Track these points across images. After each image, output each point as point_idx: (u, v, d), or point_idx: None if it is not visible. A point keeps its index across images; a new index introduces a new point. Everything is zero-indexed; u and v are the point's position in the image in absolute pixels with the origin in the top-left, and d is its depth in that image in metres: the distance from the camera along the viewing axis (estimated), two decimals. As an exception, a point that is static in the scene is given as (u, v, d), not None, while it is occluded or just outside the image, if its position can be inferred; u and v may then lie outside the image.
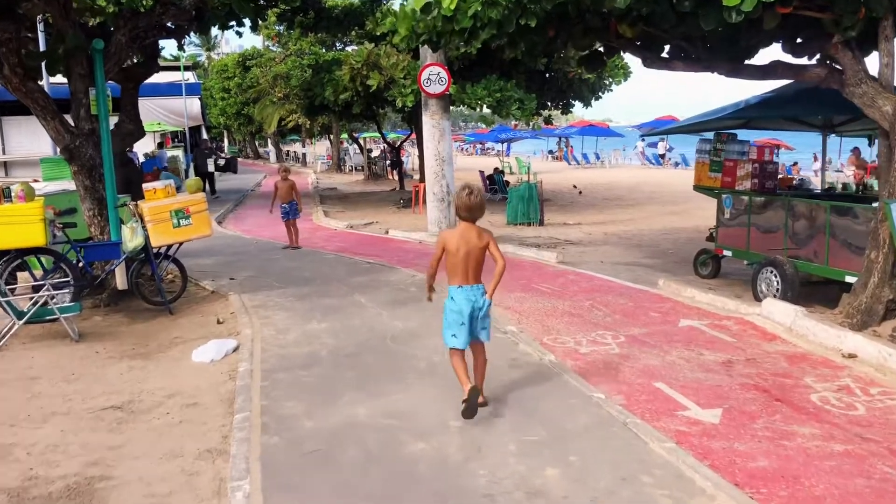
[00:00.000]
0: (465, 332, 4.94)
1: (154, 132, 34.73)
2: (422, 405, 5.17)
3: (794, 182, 10.17)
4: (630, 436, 4.48)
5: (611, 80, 20.62)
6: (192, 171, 26.63)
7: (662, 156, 44.09)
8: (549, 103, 23.51)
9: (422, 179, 22.79)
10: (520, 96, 19.16)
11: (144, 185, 8.72)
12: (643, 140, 45.99)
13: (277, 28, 37.12)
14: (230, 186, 29.82)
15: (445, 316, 5.05)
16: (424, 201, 20.50)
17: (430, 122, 13.80)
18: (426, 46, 13.70)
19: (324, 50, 26.54)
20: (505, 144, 50.93)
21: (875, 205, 7.31)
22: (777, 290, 8.33)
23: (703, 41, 8.41)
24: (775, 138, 42.47)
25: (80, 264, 8.37)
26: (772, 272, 8.46)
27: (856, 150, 27.36)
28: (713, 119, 10.30)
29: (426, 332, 6.97)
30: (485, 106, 19.16)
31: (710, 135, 10.52)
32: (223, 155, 25.35)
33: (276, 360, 6.28)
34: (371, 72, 18.08)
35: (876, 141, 22.17)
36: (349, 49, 23.34)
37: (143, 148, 31.57)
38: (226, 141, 77.23)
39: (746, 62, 8.38)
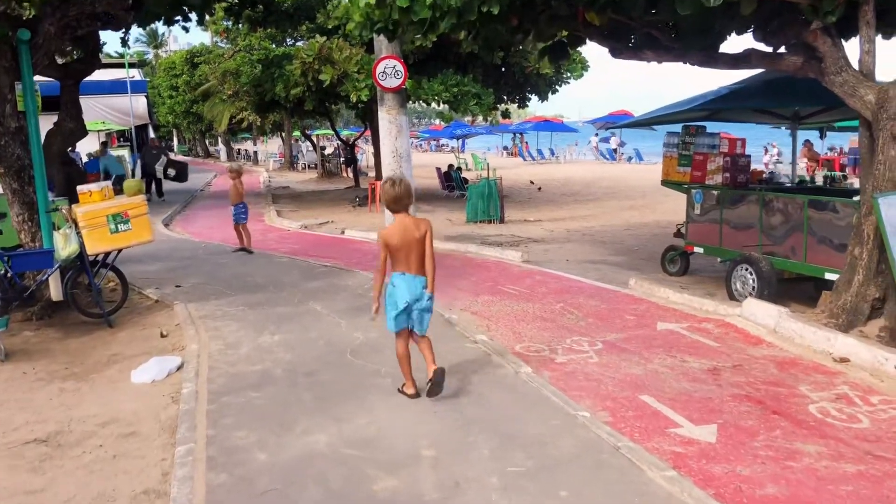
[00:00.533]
0: (405, 316, 5.12)
1: (98, 131, 33.45)
2: (389, 430, 4.64)
3: (765, 175, 9.90)
4: (624, 463, 4.02)
5: (569, 73, 20.30)
6: (138, 171, 25.07)
7: (615, 150, 44.16)
8: (505, 97, 23.14)
9: (378, 177, 22.22)
10: (477, 91, 18.73)
11: (79, 188, 8.01)
12: (597, 135, 46.01)
13: (225, 24, 36.15)
14: (179, 186, 28.76)
15: (387, 302, 5.12)
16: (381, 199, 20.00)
17: (387, 117, 13.23)
18: (381, 37, 13.19)
19: (274, 45, 25.74)
20: (460, 141, 50.57)
21: (857, 199, 7.01)
22: (753, 288, 8.01)
23: (673, 29, 8.04)
24: (723, 131, 42.91)
25: (8, 275, 7.65)
26: (747, 270, 8.13)
27: (808, 143, 27.54)
28: (679, 111, 9.96)
29: (389, 344, 6.41)
30: (441, 101, 18.66)
31: (677, 128, 10.20)
32: (173, 157, 23.63)
33: (225, 380, 5.69)
34: (323, 66, 17.44)
35: (827, 133, 22.15)
36: (300, 44, 22.53)
37: (87, 147, 30.41)
38: (175, 140, 75.50)
39: (720, 51, 8.02)
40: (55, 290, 8.07)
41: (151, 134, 39.13)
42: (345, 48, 17.78)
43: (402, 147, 13.28)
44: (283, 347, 6.51)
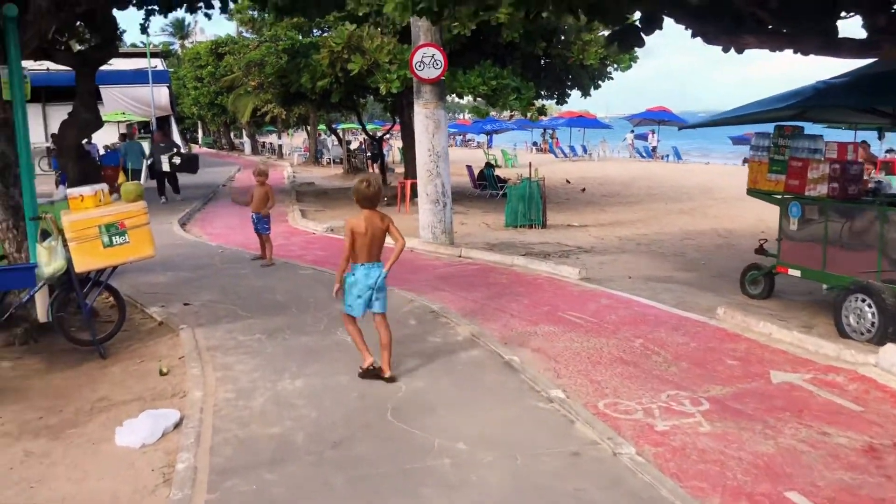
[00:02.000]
0: (362, 304, 5.57)
1: (119, 122, 32.48)
2: (453, 548, 3.33)
3: (870, 185, 8.48)
4: None
5: (616, 66, 18.83)
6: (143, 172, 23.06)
7: (654, 149, 42.54)
8: (543, 92, 21.70)
9: (407, 175, 20.91)
10: (517, 84, 17.33)
11: (68, 192, 6.77)
12: (632, 132, 44.41)
13: (251, 13, 35.04)
14: (198, 181, 27.67)
15: (346, 289, 5.61)
16: (412, 199, 18.68)
17: (423, 111, 11.92)
18: (419, 23, 11.87)
19: (300, 36, 24.52)
20: (488, 136, 49.19)
21: None
22: (872, 324, 6.60)
23: (785, 7, 6.62)
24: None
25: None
26: (864, 301, 6.72)
27: (864, 144, 25.84)
28: (766, 110, 8.54)
29: (442, 400, 5.13)
30: (478, 95, 17.30)
31: (765, 127, 8.79)
32: (180, 151, 20.84)
33: (233, 450, 4.40)
34: (352, 55, 16.13)
35: (886, 135, 20.37)
36: (328, 34, 21.20)
37: (106, 139, 29.42)
38: (200, 132, 74.79)
39: (841, 36, 6.60)
40: (42, 310, 6.86)
41: (174, 126, 38.17)
42: (376, 37, 16.47)
43: (440, 144, 11.97)
44: (306, 398, 5.21)
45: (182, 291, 8.86)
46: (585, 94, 21.69)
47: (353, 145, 39.31)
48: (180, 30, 79.80)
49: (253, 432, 4.65)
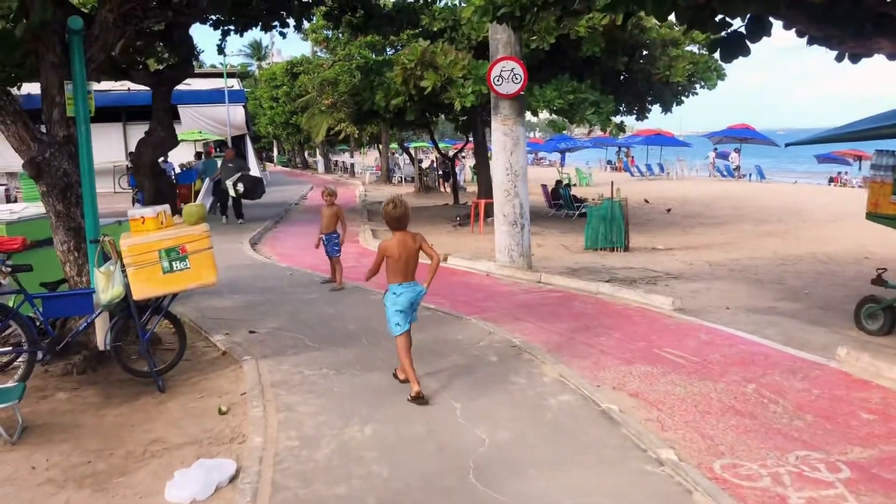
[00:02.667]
0: (406, 319, 5.59)
1: (195, 141, 32.99)
2: None
3: None
4: None
5: (702, 83, 17.86)
6: (202, 192, 22.40)
7: (737, 168, 40.90)
8: (621, 108, 20.85)
9: (480, 194, 20.33)
10: (595, 98, 16.58)
11: (129, 212, 6.40)
12: (715, 150, 42.86)
13: (326, 33, 35.27)
14: (271, 200, 27.74)
15: (388, 309, 5.65)
16: (485, 220, 18.07)
17: (501, 128, 11.30)
18: (498, 36, 11.30)
19: (374, 55, 24.38)
20: (560, 155, 48.21)
21: None
22: None
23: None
24: (856, 149, 38.86)
25: (38, 322, 6.11)
26: None
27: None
28: (890, 125, 7.62)
29: (532, 458, 4.45)
30: (554, 110, 16.59)
31: (883, 143, 7.87)
32: (246, 175, 19.01)
33: (293, 513, 3.84)
34: (426, 71, 15.67)
35: None
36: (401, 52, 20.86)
37: (182, 158, 29.84)
38: (275, 151, 76.13)
39: None
40: (101, 339, 6.49)
41: (249, 145, 38.65)
42: (450, 52, 15.98)
43: (518, 163, 11.33)
44: (377, 451, 4.60)
45: (248, 317, 8.43)
46: (667, 110, 20.75)
47: (425, 164, 39.05)
48: (258, 51, 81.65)
49: (316, 492, 4.07)
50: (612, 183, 15.60)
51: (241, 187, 18.08)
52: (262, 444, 4.71)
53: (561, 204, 21.62)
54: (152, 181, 20.90)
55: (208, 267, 6.08)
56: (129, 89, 31.09)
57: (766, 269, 12.29)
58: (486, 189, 20.55)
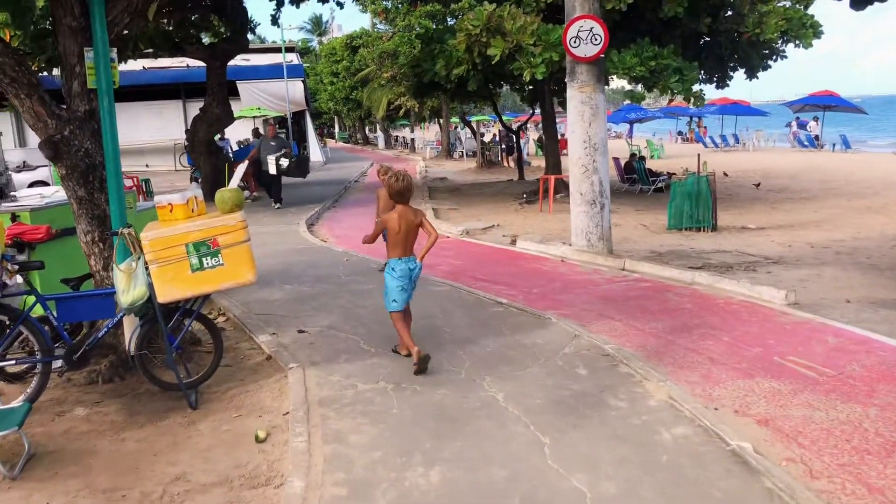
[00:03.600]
0: (404, 296, 5.73)
1: (254, 117, 32.47)
2: None
3: None
4: None
5: (797, 41, 16.14)
6: (236, 173, 20.45)
7: (816, 137, 38.39)
8: (701, 75, 19.21)
9: (548, 170, 19.09)
10: (678, 65, 15.12)
11: (156, 199, 5.50)
12: (797, 118, 40.38)
13: (384, 3, 34.22)
14: (329, 177, 27.02)
15: (387, 285, 5.76)
16: (555, 197, 16.87)
17: (579, 96, 10.08)
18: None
19: (434, 25, 23.21)
20: (628, 126, 46.25)
21: None
22: None
23: None
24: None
25: (51, 326, 5.29)
26: None
27: None
28: None
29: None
30: (632, 78, 15.19)
31: None
32: (290, 153, 17.30)
33: None
34: (492, 38, 14.47)
35: None
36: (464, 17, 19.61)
37: (241, 135, 29.35)
38: (336, 126, 75.81)
39: None
40: (131, 341, 5.65)
41: (309, 122, 38.00)
42: (518, 16, 14.72)
43: (597, 135, 10.11)
44: (446, 502, 3.61)
45: (299, 312, 7.53)
46: (752, 75, 19.03)
47: (486, 138, 37.82)
48: (318, 27, 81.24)
49: (367, 573, 3.09)
50: (699, 156, 14.22)
51: (284, 162, 16.51)
52: (302, 492, 3.76)
53: (635, 178, 20.22)
54: (208, 159, 20.33)
55: (245, 263, 5.14)
56: (188, 66, 30.80)
57: (878, 252, 10.82)
58: (553, 164, 19.30)
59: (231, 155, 21.51)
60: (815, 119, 40.55)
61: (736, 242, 11.79)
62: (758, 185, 20.66)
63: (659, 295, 7.99)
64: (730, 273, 9.27)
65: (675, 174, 20.77)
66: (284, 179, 17.75)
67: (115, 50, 6.16)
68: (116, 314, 5.32)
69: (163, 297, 5.03)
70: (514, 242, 11.91)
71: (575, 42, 9.88)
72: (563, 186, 18.33)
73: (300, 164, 17.16)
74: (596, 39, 9.83)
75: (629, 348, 6.00)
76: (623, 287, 8.44)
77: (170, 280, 5.00)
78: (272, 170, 16.60)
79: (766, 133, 43.75)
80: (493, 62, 14.69)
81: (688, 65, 15.31)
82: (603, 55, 10.07)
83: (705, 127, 49.00)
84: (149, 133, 34.45)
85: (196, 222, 5.10)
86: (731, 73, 19.61)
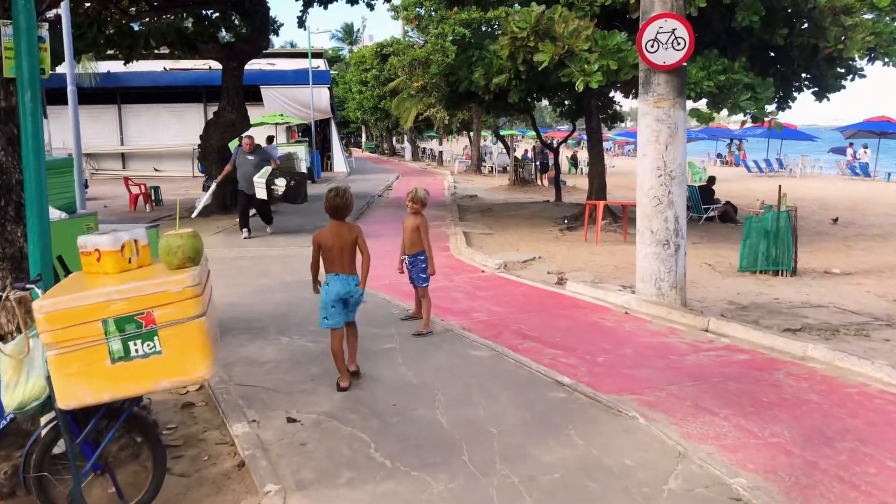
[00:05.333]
0: (338, 314, 5.54)
1: (276, 124, 30.89)
2: None
3: None
4: None
5: (887, 58, 14.13)
6: (203, 197, 16.32)
7: (866, 165, 36.14)
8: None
9: (591, 194, 17.20)
10: (750, 80, 13.23)
11: (80, 240, 3.72)
12: (851, 145, 38.15)
13: (417, 10, 32.61)
14: (353, 190, 25.25)
15: (321, 300, 5.56)
16: (601, 226, 14.99)
17: (654, 112, 8.21)
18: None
19: (470, 34, 21.46)
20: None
21: None
22: None
23: None
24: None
25: None
26: None
27: None
28: None
29: None
30: (699, 93, 13.29)
31: None
32: (282, 168, 14.48)
33: None
34: (541, 42, 12.64)
35: None
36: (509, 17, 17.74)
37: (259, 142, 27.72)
38: (363, 136, 74.39)
39: None
40: (27, 456, 3.87)
41: (334, 131, 36.39)
42: (570, 19, 12.90)
43: (675, 161, 8.23)
44: None
45: (293, 384, 5.71)
46: (822, 96, 16.98)
47: (518, 153, 36.03)
48: (349, 35, 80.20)
49: None
50: (780, 187, 12.25)
51: (280, 184, 13.38)
52: None
53: (689, 205, 18.26)
54: (220, 167, 18.56)
55: (194, 350, 3.33)
56: (209, 68, 29.31)
57: None
58: (598, 187, 17.42)
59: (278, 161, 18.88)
60: (865, 147, 38.28)
61: (823, 292, 9.84)
62: (835, 220, 18.61)
63: (767, 376, 6.06)
64: (837, 338, 7.40)
65: (729, 202, 18.83)
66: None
67: (45, 26, 4.44)
68: (4, 416, 3.55)
69: (65, 400, 3.23)
70: (561, 282, 10.04)
71: (652, 46, 8.03)
72: (607, 213, 16.45)
73: (298, 189, 13.82)
74: (679, 44, 7.97)
75: (760, 481, 4.10)
76: (715, 360, 6.52)
77: (76, 374, 3.20)
78: (260, 194, 13.44)
79: (812, 159, 41.43)
80: (539, 68, 12.86)
81: (761, 81, 13.41)
82: (685, 64, 8.21)
83: (744, 150, 46.82)
84: (167, 136, 33.09)
85: (123, 286, 3.30)
86: (796, 94, 17.60)
